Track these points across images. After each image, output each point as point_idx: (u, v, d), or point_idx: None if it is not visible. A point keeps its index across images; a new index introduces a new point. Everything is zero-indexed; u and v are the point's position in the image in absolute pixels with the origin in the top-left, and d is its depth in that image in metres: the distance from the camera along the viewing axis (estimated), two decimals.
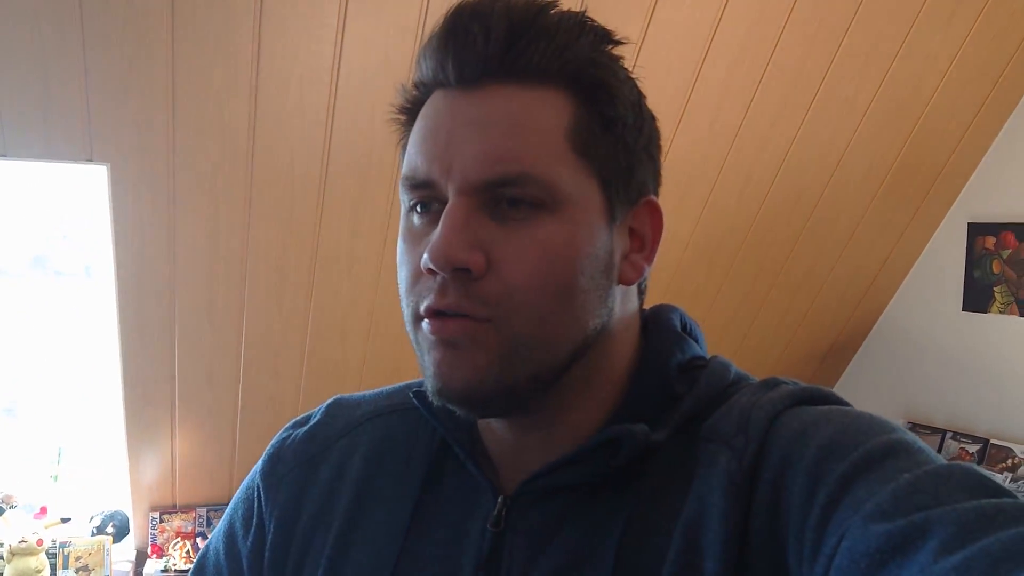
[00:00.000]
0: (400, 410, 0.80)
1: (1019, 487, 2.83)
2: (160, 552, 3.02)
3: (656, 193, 0.71)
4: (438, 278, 0.63)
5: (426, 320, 0.64)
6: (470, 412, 0.67)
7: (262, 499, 0.80)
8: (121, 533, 3.00)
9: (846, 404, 0.65)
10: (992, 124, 3.14)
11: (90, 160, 2.26)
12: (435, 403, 0.66)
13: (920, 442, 0.57)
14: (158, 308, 2.60)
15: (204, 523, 3.07)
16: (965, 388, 3.27)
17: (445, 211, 0.63)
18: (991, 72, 2.98)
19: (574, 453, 0.66)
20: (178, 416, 2.85)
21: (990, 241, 3.17)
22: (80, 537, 2.90)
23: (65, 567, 2.83)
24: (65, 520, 2.94)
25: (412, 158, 0.66)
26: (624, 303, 0.70)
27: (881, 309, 3.64)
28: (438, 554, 0.70)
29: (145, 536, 3.06)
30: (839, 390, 3.69)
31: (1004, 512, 0.47)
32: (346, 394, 0.86)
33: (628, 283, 0.69)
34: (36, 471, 3.05)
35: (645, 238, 0.70)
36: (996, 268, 3.15)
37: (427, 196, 0.65)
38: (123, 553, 3.03)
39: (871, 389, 3.65)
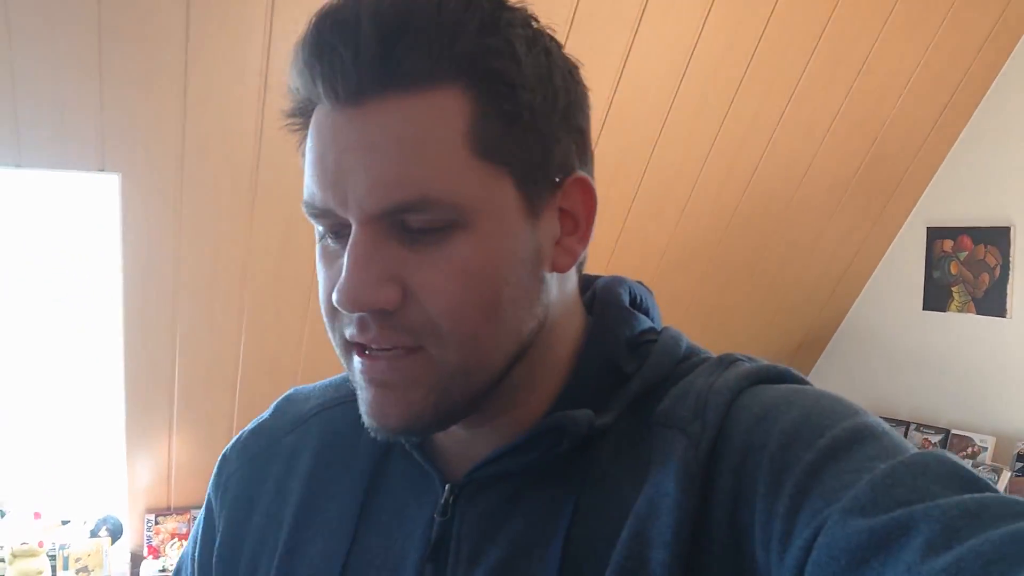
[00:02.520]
0: (347, 401, 0.75)
1: (978, 473, 2.99)
2: (156, 553, 3.08)
3: (584, 164, 0.65)
4: (354, 313, 0.59)
5: (357, 356, 0.61)
6: (412, 438, 0.66)
7: (213, 506, 0.78)
8: (115, 536, 3.05)
9: (805, 382, 0.63)
10: (947, 136, 3.30)
11: (103, 169, 2.34)
12: (373, 435, 0.63)
13: (884, 424, 0.56)
14: (161, 313, 2.66)
15: None
16: (927, 382, 3.38)
17: (349, 244, 0.58)
18: (946, 88, 3.14)
19: (518, 441, 0.63)
20: (176, 419, 2.91)
21: (948, 244, 3.30)
22: (79, 539, 2.95)
23: (65, 568, 2.88)
24: (65, 523, 2.98)
25: (308, 183, 0.60)
26: (562, 288, 0.66)
27: (847, 309, 3.77)
28: (387, 545, 0.68)
29: (141, 538, 3.11)
30: None
31: (988, 509, 0.46)
32: (301, 386, 0.83)
33: (562, 271, 0.64)
34: (28, 476, 3.09)
35: (578, 218, 0.65)
36: (954, 269, 3.28)
37: (333, 222, 0.60)
38: (119, 555, 3.07)
39: (839, 384, 3.75)
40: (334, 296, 0.58)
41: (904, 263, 3.53)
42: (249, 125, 2.40)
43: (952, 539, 0.44)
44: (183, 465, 3.04)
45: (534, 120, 0.59)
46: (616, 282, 0.72)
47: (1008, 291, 3.07)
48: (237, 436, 0.81)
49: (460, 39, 0.57)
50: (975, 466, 3.02)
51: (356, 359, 0.61)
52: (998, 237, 3.09)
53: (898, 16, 2.83)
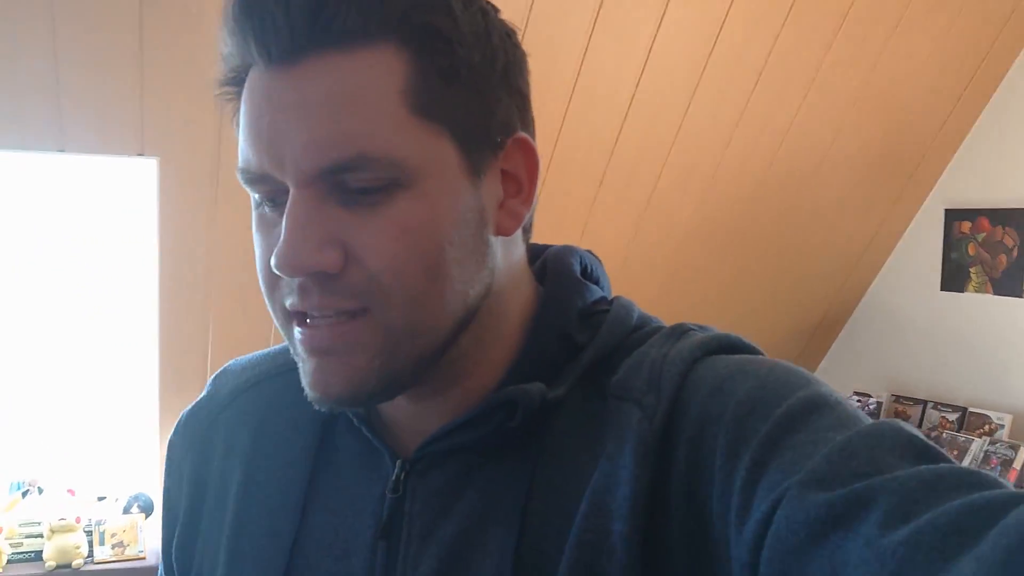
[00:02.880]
0: (286, 371, 0.72)
1: (996, 449, 3.05)
2: None
3: (526, 126, 0.64)
4: (294, 280, 0.58)
5: (297, 326, 0.59)
6: (354, 409, 0.65)
7: (172, 496, 0.76)
8: (147, 513, 3.11)
9: (757, 351, 0.63)
10: (966, 118, 3.32)
11: (142, 154, 2.39)
12: (316, 407, 0.61)
13: (837, 394, 0.56)
14: (195, 296, 2.71)
15: None
16: (944, 362, 3.42)
17: (287, 208, 0.56)
18: (965, 71, 3.17)
19: (470, 415, 0.62)
20: None
21: (966, 226, 3.33)
22: (114, 516, 3.02)
23: (102, 543, 2.94)
24: (100, 499, 3.05)
25: (243, 149, 0.59)
26: (508, 254, 0.65)
27: (865, 288, 3.80)
28: (336, 523, 0.66)
29: None
30: (827, 364, 3.91)
31: (944, 480, 0.46)
32: (237, 358, 0.80)
33: (507, 234, 0.63)
34: (63, 454, 3.15)
35: (521, 180, 0.64)
36: (972, 251, 3.31)
37: (270, 188, 0.58)
38: (153, 531, 3.15)
39: (857, 363, 3.80)
40: (273, 261, 0.56)
41: (922, 244, 3.56)
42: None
43: (909, 512, 0.44)
44: None
45: (473, 78, 0.58)
46: (567, 251, 0.71)
47: None
48: (179, 419, 0.78)
49: None
50: (992, 442, 3.08)
51: (297, 330, 0.59)
52: (1016, 218, 3.13)
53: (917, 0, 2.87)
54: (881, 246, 3.69)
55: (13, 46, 2.12)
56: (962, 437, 3.14)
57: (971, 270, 3.33)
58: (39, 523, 2.88)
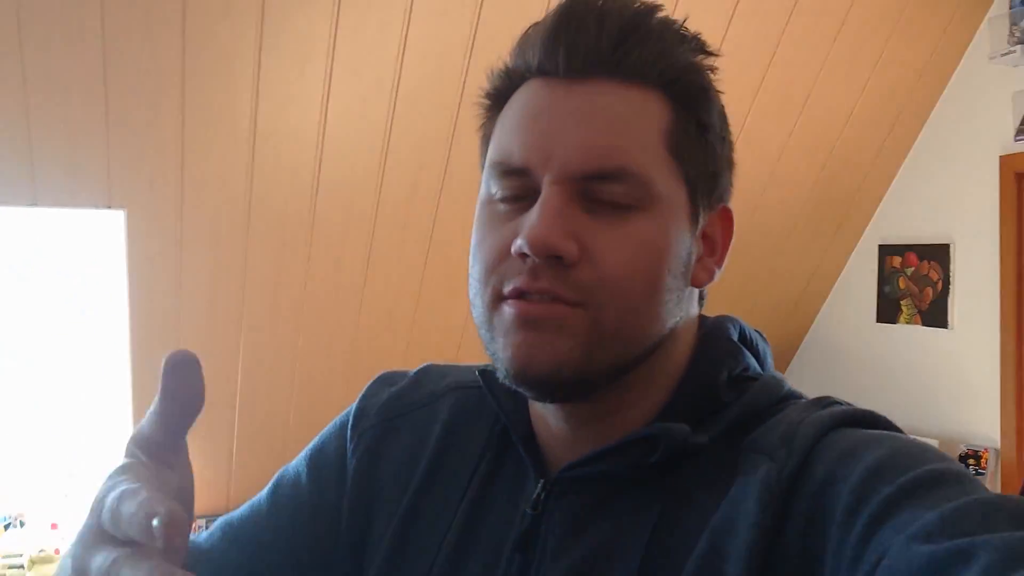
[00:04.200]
0: (478, 385, 0.77)
1: None
2: None
3: (729, 199, 0.72)
4: (528, 261, 0.61)
5: (509, 300, 0.63)
6: (541, 396, 0.66)
7: (347, 442, 0.81)
8: None
9: (898, 430, 0.63)
10: (894, 160, 3.50)
11: (109, 207, 2.59)
12: (507, 384, 0.65)
13: (972, 475, 0.55)
14: (164, 336, 2.89)
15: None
16: (881, 389, 3.55)
17: (542, 198, 0.61)
18: (887, 119, 3.35)
19: (614, 445, 0.64)
20: None
21: (897, 260, 3.49)
22: None
23: None
24: None
25: (506, 144, 0.65)
26: (689, 307, 0.70)
27: (810, 323, 3.96)
28: (487, 532, 0.70)
29: None
30: None
31: None
32: (438, 363, 0.86)
33: (700, 285, 0.69)
34: (46, 488, 3.28)
35: (716, 243, 0.70)
36: (902, 284, 3.47)
37: (518, 184, 0.64)
38: None
39: (806, 393, 3.93)
40: (519, 240, 0.61)
41: (860, 279, 3.72)
42: (241, 165, 2.66)
43: (1010, 568, 0.44)
44: None
45: (713, 141, 0.67)
46: (729, 319, 0.74)
47: (949, 304, 3.29)
48: (374, 388, 0.84)
49: (676, 53, 0.65)
50: None
51: (508, 306, 0.63)
52: (939, 253, 3.31)
53: (839, 50, 3.06)
54: (822, 281, 3.84)
55: None
56: None
57: (902, 303, 3.48)
58: (20, 555, 3.00)
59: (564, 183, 0.62)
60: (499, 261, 0.64)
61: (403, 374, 0.85)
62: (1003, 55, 2.99)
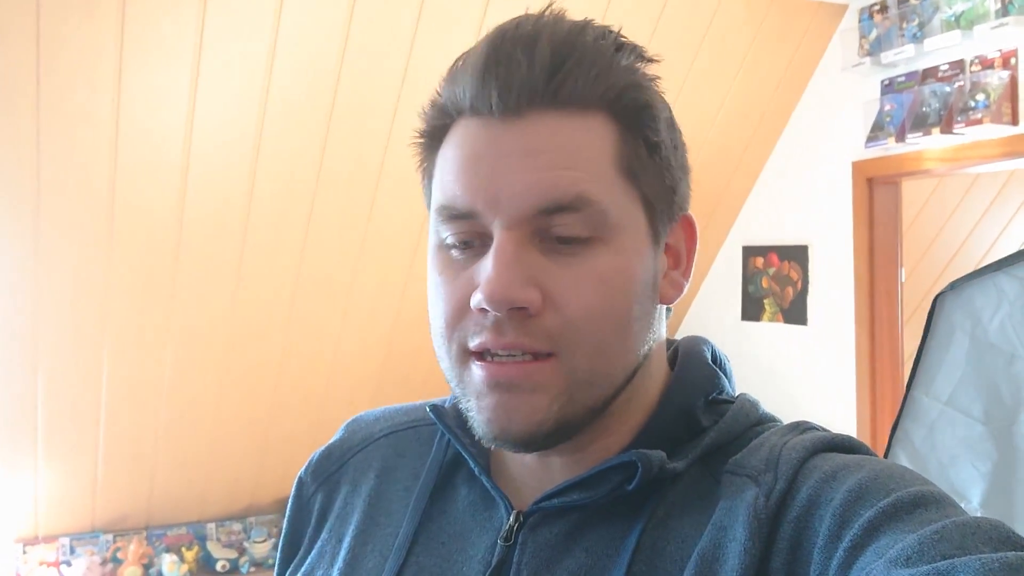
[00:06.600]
0: (416, 426, 0.78)
1: None
2: None
3: (688, 206, 0.70)
4: (490, 316, 0.60)
5: (477, 362, 0.62)
6: (523, 451, 0.65)
7: (299, 529, 0.81)
8: None
9: (874, 455, 0.63)
10: (755, 165, 3.65)
11: None
12: (486, 445, 0.65)
13: (951, 497, 0.56)
14: (21, 349, 2.77)
15: (68, 551, 3.21)
16: (747, 384, 3.69)
17: (495, 246, 0.60)
18: (747, 127, 3.50)
19: (589, 473, 0.63)
20: (42, 451, 2.99)
21: (759, 261, 3.64)
22: None
23: None
24: None
25: (449, 187, 0.62)
26: (660, 328, 0.69)
27: (679, 322, 4.08)
28: (442, 565, 0.68)
29: (11, 567, 3.16)
30: None
31: None
32: (367, 411, 0.85)
33: (669, 301, 0.68)
34: None
35: (680, 253, 0.69)
36: (765, 283, 3.62)
37: (468, 229, 0.62)
38: None
39: None
40: (478, 295, 0.59)
41: (725, 279, 3.87)
42: (103, 169, 2.56)
43: None
44: (49, 495, 3.11)
45: (666, 155, 0.65)
46: (699, 340, 0.74)
47: (807, 302, 3.46)
48: (310, 459, 0.83)
49: (615, 72, 0.62)
50: None
51: (476, 366, 0.62)
52: (799, 254, 3.48)
53: (703, 58, 3.17)
54: (691, 281, 3.96)
55: None
56: None
57: (765, 301, 3.63)
58: None
59: (516, 227, 0.60)
60: (460, 316, 0.62)
61: (333, 437, 0.84)
62: (854, 66, 3.16)
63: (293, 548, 0.80)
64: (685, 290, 0.69)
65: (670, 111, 0.68)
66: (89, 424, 3.03)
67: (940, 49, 2.87)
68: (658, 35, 3.01)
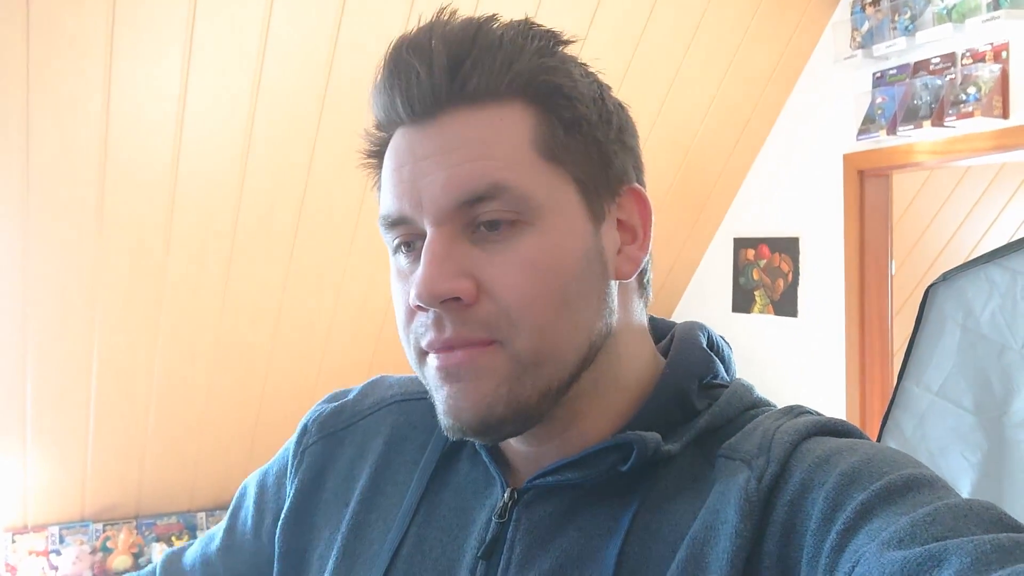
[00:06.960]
0: (427, 398, 0.75)
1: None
2: (15, 571, 3.14)
3: (640, 181, 0.70)
4: (430, 313, 0.62)
5: (431, 354, 0.64)
6: (485, 440, 0.67)
7: (289, 465, 0.82)
8: None
9: (867, 439, 0.64)
10: (747, 157, 3.66)
11: None
12: (451, 437, 0.66)
13: (942, 479, 0.56)
14: (11, 335, 2.75)
15: (57, 541, 3.20)
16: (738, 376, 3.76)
17: (425, 245, 0.62)
18: (740, 117, 3.51)
19: (584, 454, 0.65)
20: (30, 438, 2.98)
21: (750, 253, 3.65)
22: None
23: None
24: None
25: (384, 198, 0.66)
26: (626, 302, 0.69)
27: (670, 314, 4.08)
28: (445, 540, 0.70)
29: (0, 557, 3.16)
30: None
31: (1021, 546, 0.46)
32: (389, 375, 0.86)
33: (626, 277, 0.68)
34: None
35: (635, 228, 0.69)
36: (756, 275, 3.63)
37: (406, 233, 0.64)
38: None
39: None
40: (412, 293, 0.61)
41: (716, 270, 3.87)
42: (92, 158, 2.55)
43: (981, 572, 0.45)
44: (38, 484, 3.10)
45: (591, 131, 0.65)
46: (695, 325, 0.75)
47: (798, 294, 3.47)
48: (318, 407, 0.84)
49: (519, 60, 0.63)
50: None
51: (431, 358, 0.64)
52: (789, 246, 3.49)
53: (695, 51, 3.18)
54: (681, 274, 3.98)
55: None
56: None
57: (755, 293, 3.64)
58: None
59: (443, 223, 0.62)
60: (411, 316, 0.65)
61: (351, 389, 0.86)
62: (846, 59, 3.17)
63: (276, 487, 0.83)
64: (644, 263, 0.70)
65: (600, 89, 0.68)
66: (79, 413, 3.02)
67: (932, 42, 2.88)
68: (650, 26, 3.01)
